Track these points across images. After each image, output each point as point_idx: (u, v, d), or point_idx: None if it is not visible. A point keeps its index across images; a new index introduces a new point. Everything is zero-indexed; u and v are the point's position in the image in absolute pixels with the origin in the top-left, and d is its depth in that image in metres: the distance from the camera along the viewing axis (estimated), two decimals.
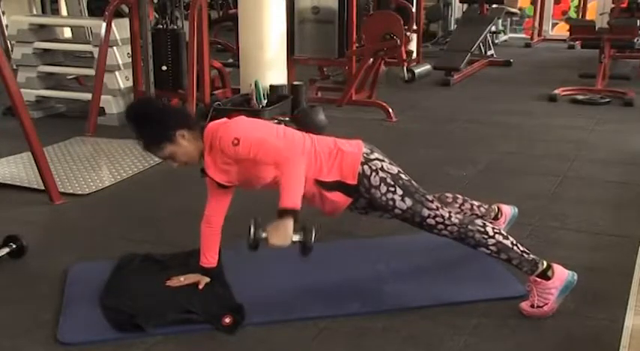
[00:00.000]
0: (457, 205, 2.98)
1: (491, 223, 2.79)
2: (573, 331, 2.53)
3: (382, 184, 2.62)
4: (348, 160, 2.64)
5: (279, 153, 2.49)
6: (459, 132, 5.50)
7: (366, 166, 2.63)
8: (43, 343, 2.46)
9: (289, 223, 2.37)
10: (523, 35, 11.21)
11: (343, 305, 2.70)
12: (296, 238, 2.38)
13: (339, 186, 2.64)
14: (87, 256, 3.17)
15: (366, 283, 2.88)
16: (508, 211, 3.17)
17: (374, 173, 2.63)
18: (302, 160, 2.49)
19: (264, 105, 5.10)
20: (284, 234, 2.36)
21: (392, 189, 2.62)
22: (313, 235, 2.39)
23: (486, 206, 3.10)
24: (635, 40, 6.90)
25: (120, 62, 5.58)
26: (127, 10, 5.75)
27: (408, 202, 2.63)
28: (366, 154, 2.67)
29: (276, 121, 4.86)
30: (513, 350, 2.44)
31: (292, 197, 2.41)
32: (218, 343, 2.47)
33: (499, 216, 3.13)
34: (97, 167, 4.55)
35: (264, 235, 2.37)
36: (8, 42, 6.31)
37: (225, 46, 8.38)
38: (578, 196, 3.96)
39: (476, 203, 3.06)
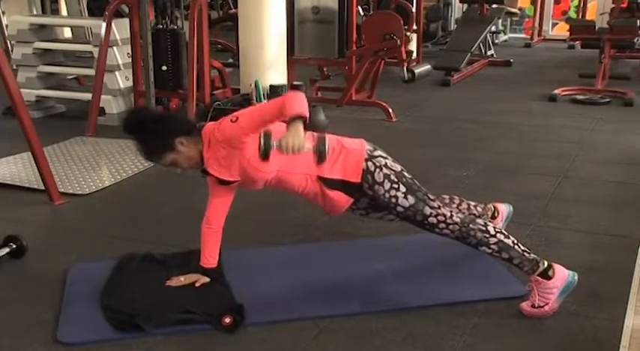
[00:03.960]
0: (454, 206, 2.99)
1: (490, 222, 2.79)
2: (573, 331, 2.53)
3: (386, 181, 2.62)
4: (352, 157, 2.64)
5: (277, 99, 2.49)
6: (459, 132, 5.49)
7: (370, 163, 2.63)
8: (43, 343, 2.46)
9: (300, 126, 2.37)
10: (523, 35, 11.21)
11: (343, 305, 2.70)
12: (309, 145, 2.39)
13: (342, 185, 2.64)
14: (87, 256, 3.17)
15: (366, 283, 2.88)
16: (504, 209, 3.18)
17: (378, 170, 2.63)
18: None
19: None
20: (298, 136, 2.37)
21: (395, 186, 2.63)
22: (326, 141, 2.40)
23: (482, 206, 3.10)
24: (635, 40, 6.91)
25: (120, 62, 5.58)
26: (127, 10, 5.74)
27: (411, 199, 2.63)
28: (370, 151, 2.68)
29: None
30: (513, 350, 2.44)
31: (298, 106, 2.41)
32: (218, 343, 2.46)
33: (496, 214, 3.14)
34: (97, 167, 4.54)
35: (275, 143, 2.36)
36: (8, 42, 6.31)
37: (225, 46, 8.38)
38: (578, 196, 3.96)
39: (472, 203, 3.07)
